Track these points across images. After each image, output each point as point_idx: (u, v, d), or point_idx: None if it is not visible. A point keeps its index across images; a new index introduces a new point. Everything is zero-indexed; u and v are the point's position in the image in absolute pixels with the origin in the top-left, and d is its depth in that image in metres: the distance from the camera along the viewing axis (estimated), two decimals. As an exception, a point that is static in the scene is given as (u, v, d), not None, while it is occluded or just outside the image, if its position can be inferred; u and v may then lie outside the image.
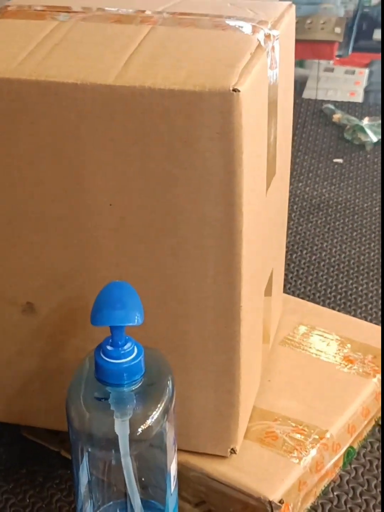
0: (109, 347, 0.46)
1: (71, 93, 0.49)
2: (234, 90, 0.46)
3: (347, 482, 0.65)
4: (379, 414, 0.67)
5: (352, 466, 0.66)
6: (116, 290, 0.46)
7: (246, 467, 0.58)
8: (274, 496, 0.56)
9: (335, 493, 0.64)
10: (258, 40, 0.52)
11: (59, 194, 0.52)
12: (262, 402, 0.64)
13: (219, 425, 0.58)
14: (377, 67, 1.67)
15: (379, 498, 0.63)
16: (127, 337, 0.46)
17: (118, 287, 0.47)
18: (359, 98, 1.49)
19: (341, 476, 0.65)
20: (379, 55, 1.78)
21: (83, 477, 0.52)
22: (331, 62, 1.67)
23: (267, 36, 0.54)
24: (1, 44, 0.53)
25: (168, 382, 0.49)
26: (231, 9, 0.60)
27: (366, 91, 1.55)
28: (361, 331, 0.72)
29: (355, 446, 0.64)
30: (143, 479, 0.53)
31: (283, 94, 0.60)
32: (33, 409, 0.62)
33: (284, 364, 0.68)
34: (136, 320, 0.45)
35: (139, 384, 0.47)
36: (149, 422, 0.47)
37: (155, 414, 0.47)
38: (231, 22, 0.55)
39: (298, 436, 0.61)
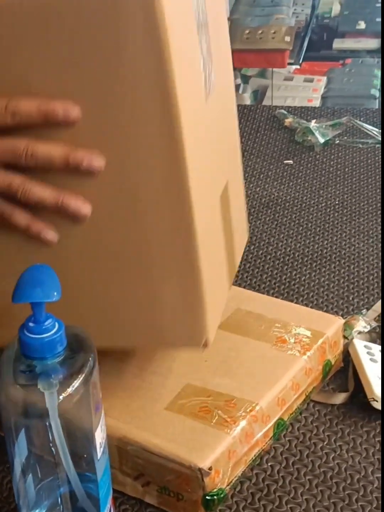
0: (31, 324, 0.50)
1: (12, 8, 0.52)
2: None
3: (281, 453, 0.69)
4: (310, 389, 0.72)
5: (287, 438, 0.70)
6: (36, 271, 0.51)
7: (179, 439, 0.62)
8: (204, 464, 0.60)
9: (269, 464, 0.68)
10: None
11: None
12: (197, 380, 0.68)
13: (189, 318, 0.61)
14: (336, 74, 1.73)
15: (310, 466, 0.67)
16: (47, 314, 0.51)
17: (38, 269, 0.51)
18: (316, 104, 1.55)
19: (275, 448, 0.69)
20: (338, 63, 1.85)
21: (18, 454, 0.55)
22: (291, 71, 1.73)
23: None
24: None
25: (90, 356, 0.53)
26: None
27: (324, 97, 1.61)
28: (294, 313, 0.76)
29: (286, 418, 0.69)
30: (76, 451, 0.57)
31: (214, 20, 0.64)
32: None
33: (220, 345, 0.72)
34: (54, 297, 0.49)
35: (62, 357, 0.51)
36: (70, 390, 0.51)
37: (76, 383, 0.51)
38: None
39: (229, 409, 0.65)
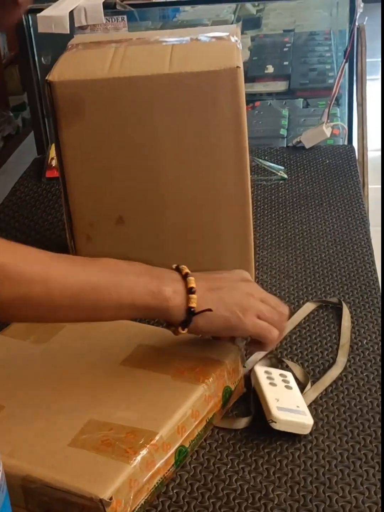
0: None
1: (144, 82, 0.87)
2: (237, 66, 0.86)
3: (186, 480, 0.71)
4: (210, 415, 0.75)
5: (192, 465, 0.73)
6: None
7: (81, 473, 0.64)
8: (105, 495, 0.62)
9: (174, 491, 0.70)
10: (235, 42, 0.94)
11: (137, 145, 0.89)
12: (100, 415, 0.70)
13: None
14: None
15: (214, 490, 0.70)
16: None
17: None
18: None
19: (180, 475, 0.72)
20: (248, 107, 1.93)
21: None
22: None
23: (236, 41, 0.94)
24: (90, 62, 0.92)
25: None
26: (205, 30, 1.09)
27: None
28: (193, 344, 0.79)
29: (187, 445, 0.71)
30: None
31: None
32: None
33: (123, 380, 0.75)
34: None
35: None
36: None
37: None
38: (217, 35, 0.97)
39: (130, 440, 0.67)
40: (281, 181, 1.29)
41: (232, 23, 2.02)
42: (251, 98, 1.92)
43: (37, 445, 0.68)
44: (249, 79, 2.06)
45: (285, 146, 1.56)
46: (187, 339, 0.82)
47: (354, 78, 1.39)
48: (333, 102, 1.35)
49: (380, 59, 2.22)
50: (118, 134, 0.90)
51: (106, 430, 0.69)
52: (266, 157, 1.38)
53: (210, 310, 0.72)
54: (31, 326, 0.85)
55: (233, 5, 2.09)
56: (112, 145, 0.90)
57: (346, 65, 1.35)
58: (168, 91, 0.88)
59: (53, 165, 1.38)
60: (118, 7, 1.31)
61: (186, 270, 0.74)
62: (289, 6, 2.49)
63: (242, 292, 0.75)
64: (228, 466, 0.73)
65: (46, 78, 0.88)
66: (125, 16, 1.33)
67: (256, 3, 2.38)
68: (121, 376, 0.76)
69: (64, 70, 0.89)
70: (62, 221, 1.21)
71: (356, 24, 1.34)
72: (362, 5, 1.32)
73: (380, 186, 1.69)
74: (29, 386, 0.76)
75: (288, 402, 0.77)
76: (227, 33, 0.96)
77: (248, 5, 2.43)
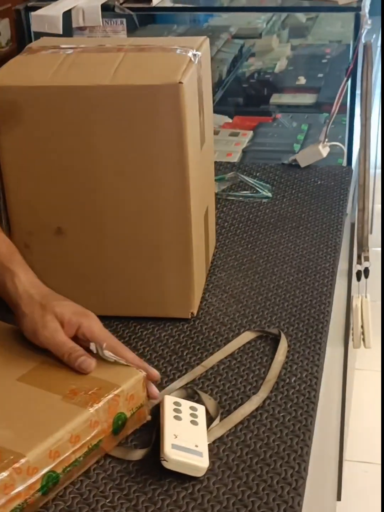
0: None
1: (84, 91, 0.84)
2: (180, 82, 0.82)
3: (60, 511, 0.68)
4: (94, 442, 0.71)
5: (71, 495, 0.69)
6: None
7: None
8: None
9: (41, 518, 0.67)
10: (189, 56, 0.89)
11: (76, 155, 0.86)
12: (-25, 432, 0.68)
13: (182, 296, 0.92)
14: (264, 129, 1.75)
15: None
16: None
17: None
18: (235, 158, 1.57)
19: (56, 505, 0.68)
20: (269, 118, 1.88)
21: None
22: (219, 125, 1.76)
23: (194, 55, 0.90)
24: (34, 68, 0.88)
25: None
26: (169, 41, 1.05)
27: (244, 152, 1.62)
28: (98, 366, 0.76)
29: (59, 470, 0.68)
30: None
31: (206, 88, 0.96)
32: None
33: (13, 397, 0.72)
34: None
35: None
36: None
37: None
38: (172, 47, 0.92)
39: (-8, 461, 0.65)
40: (264, 200, 1.23)
41: (261, 33, 1.97)
42: (275, 109, 1.87)
43: None
44: (278, 89, 2.00)
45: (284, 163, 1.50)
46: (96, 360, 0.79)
47: (357, 97, 1.32)
48: (331, 121, 1.29)
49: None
50: (57, 143, 0.86)
51: (-25, 448, 0.66)
52: (258, 173, 1.33)
53: None
54: None
55: (268, 14, 2.03)
56: (51, 154, 0.87)
57: (348, 83, 1.29)
58: (108, 103, 0.84)
59: None
60: (116, 10, 1.29)
61: None
62: (340, 16, 2.41)
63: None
64: (107, 500, 0.69)
65: (-15, 81, 0.86)
66: (124, 20, 1.30)
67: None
68: (13, 392, 0.74)
69: (6, 75, 0.87)
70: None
71: (362, 40, 1.28)
72: (369, 21, 1.25)
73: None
74: None
75: (187, 440, 0.72)
76: (188, 46, 0.92)
77: (299, 14, 2.37)
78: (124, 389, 0.74)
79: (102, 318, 0.93)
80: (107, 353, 0.76)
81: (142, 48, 0.92)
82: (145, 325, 0.94)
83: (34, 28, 1.25)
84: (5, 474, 0.64)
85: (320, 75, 2.06)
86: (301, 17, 2.47)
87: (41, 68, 0.88)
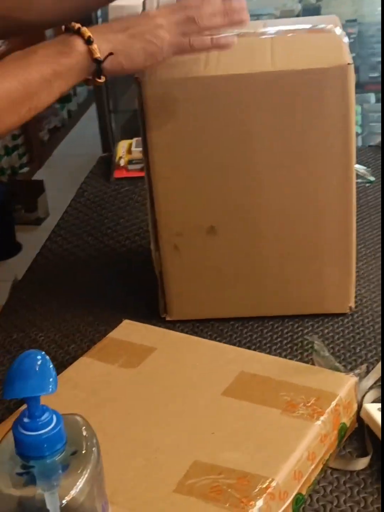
0: (26, 420, 0.45)
1: (244, 80, 0.79)
2: (349, 64, 0.77)
3: (302, 530, 0.64)
4: (326, 457, 0.67)
5: (306, 513, 0.65)
6: (28, 360, 0.46)
7: (191, 527, 0.57)
8: None
9: (289, 543, 0.62)
10: (341, 36, 0.83)
11: (232, 148, 0.81)
12: (206, 456, 0.63)
13: (342, 291, 0.88)
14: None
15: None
16: (43, 407, 0.46)
17: (29, 357, 0.46)
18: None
19: (295, 525, 0.64)
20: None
21: None
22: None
23: (342, 34, 0.84)
24: (181, 59, 0.79)
25: (93, 448, 0.48)
26: (307, 21, 0.91)
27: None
28: (302, 373, 0.72)
29: (304, 492, 0.63)
30: None
31: None
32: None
33: (227, 415, 0.68)
34: (50, 389, 0.45)
35: (62, 454, 0.46)
36: (73, 492, 0.46)
37: (80, 483, 0.46)
38: (318, 27, 0.85)
39: (243, 487, 0.60)
40: (367, 184, 1.19)
41: (298, 15, 1.92)
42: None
43: (138, 488, 0.61)
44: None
45: (360, 144, 1.47)
46: (294, 367, 0.74)
47: None
48: None
49: None
50: (212, 137, 0.81)
51: (214, 474, 0.61)
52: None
53: (111, 54, 0.72)
54: (119, 348, 0.78)
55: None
56: (205, 149, 0.82)
57: None
58: (269, 91, 0.79)
59: (121, 165, 1.30)
60: None
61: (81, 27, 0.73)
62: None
63: (152, 23, 0.75)
64: (347, 515, 0.65)
65: (136, 76, 0.80)
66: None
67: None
68: (224, 409, 0.68)
69: (154, 68, 0.81)
70: (136, 224, 1.14)
71: None
72: None
73: None
74: (121, 418, 0.69)
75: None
76: (330, 25, 0.87)
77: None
78: (342, 397, 0.69)
79: (257, 318, 0.89)
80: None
81: (285, 31, 0.86)
82: (302, 323, 0.89)
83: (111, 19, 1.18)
84: (261, 502, 0.59)
85: (352, 54, 2.02)
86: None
87: (188, 59, 0.82)
